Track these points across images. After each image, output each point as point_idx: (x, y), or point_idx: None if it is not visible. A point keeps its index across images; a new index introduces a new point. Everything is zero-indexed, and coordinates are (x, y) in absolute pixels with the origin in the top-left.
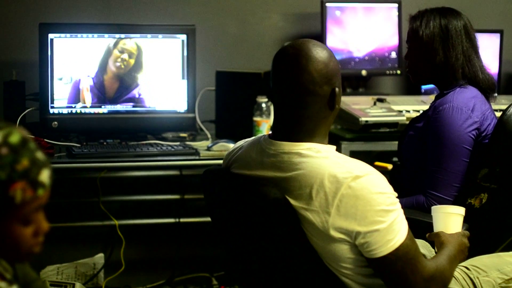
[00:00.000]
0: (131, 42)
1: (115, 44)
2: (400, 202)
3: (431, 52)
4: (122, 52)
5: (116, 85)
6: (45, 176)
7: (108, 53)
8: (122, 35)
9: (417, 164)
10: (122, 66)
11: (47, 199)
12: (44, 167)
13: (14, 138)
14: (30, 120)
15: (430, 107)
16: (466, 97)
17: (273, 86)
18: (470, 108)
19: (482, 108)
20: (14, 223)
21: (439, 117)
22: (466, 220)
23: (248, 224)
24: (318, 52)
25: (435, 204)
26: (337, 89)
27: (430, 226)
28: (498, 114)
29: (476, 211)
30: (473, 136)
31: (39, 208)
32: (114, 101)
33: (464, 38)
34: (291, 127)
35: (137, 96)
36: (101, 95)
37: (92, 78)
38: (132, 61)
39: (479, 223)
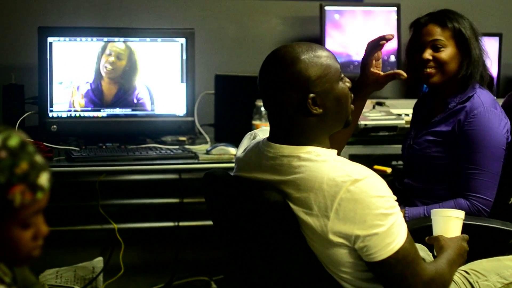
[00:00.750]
0: (119, 43)
1: (104, 48)
2: (434, 207)
3: (471, 50)
4: (109, 54)
5: (114, 90)
6: (44, 179)
7: (99, 58)
8: (121, 39)
9: (438, 168)
10: (111, 69)
11: (46, 202)
12: (43, 171)
13: (13, 141)
14: (29, 123)
15: (456, 110)
16: (491, 99)
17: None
18: (499, 110)
19: (501, 108)
20: (14, 226)
21: (476, 120)
22: (509, 219)
23: (248, 228)
24: (293, 57)
25: (481, 207)
26: (311, 95)
27: (429, 229)
28: None
29: None
30: (506, 137)
31: (38, 211)
32: (112, 105)
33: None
34: (288, 131)
35: (135, 100)
36: (98, 101)
37: (90, 84)
38: (122, 63)
39: None
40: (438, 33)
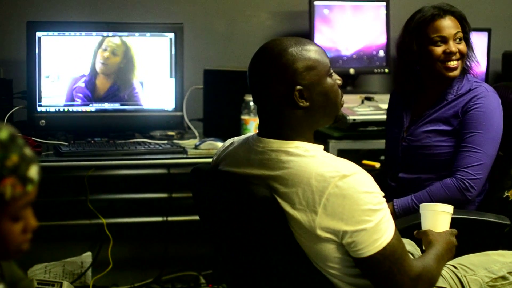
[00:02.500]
0: (116, 39)
1: (100, 43)
2: (426, 192)
3: (471, 44)
4: (105, 50)
5: (108, 84)
6: (33, 172)
7: (95, 52)
8: (110, 33)
9: (434, 157)
10: (107, 64)
11: (35, 195)
12: (33, 163)
13: (3, 134)
14: (17, 118)
15: (459, 98)
16: (491, 87)
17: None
18: (498, 98)
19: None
20: (4, 219)
21: (481, 102)
22: (504, 213)
23: (236, 222)
24: (280, 49)
25: (467, 182)
26: (298, 87)
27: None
28: None
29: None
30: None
31: (28, 204)
32: (102, 100)
33: None
34: (278, 124)
35: (127, 95)
36: (90, 96)
37: (85, 78)
38: (117, 59)
39: None
40: (457, 25)
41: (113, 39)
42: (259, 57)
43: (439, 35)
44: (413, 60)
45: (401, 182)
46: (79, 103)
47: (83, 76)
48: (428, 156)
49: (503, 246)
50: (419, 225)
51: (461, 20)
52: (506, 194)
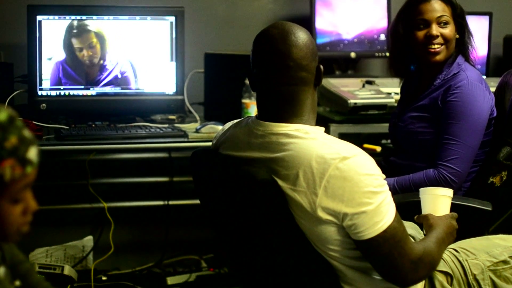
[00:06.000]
0: (88, 21)
1: (70, 27)
2: (407, 178)
3: (465, 29)
4: (78, 35)
5: (97, 68)
6: (33, 153)
7: (74, 36)
8: (111, 17)
9: (421, 144)
10: (91, 48)
11: (35, 177)
12: (32, 145)
13: (1, 116)
14: (18, 102)
15: (441, 85)
16: (477, 74)
17: (259, 68)
18: (484, 85)
19: (488, 85)
20: (3, 201)
21: (459, 92)
22: (488, 198)
23: (236, 206)
24: (301, 30)
25: (448, 177)
26: (321, 65)
27: (418, 206)
28: None
29: (497, 189)
30: (488, 114)
31: (28, 186)
32: (96, 84)
33: None
34: (280, 107)
35: (119, 77)
36: (78, 78)
37: (70, 62)
38: (96, 42)
39: (500, 200)
40: (442, 9)
41: (86, 22)
42: (278, 38)
43: (422, 18)
44: (400, 44)
45: (392, 166)
46: (82, 87)
47: (64, 59)
48: (413, 141)
49: (488, 232)
50: (402, 205)
51: (449, 3)
52: (491, 179)
